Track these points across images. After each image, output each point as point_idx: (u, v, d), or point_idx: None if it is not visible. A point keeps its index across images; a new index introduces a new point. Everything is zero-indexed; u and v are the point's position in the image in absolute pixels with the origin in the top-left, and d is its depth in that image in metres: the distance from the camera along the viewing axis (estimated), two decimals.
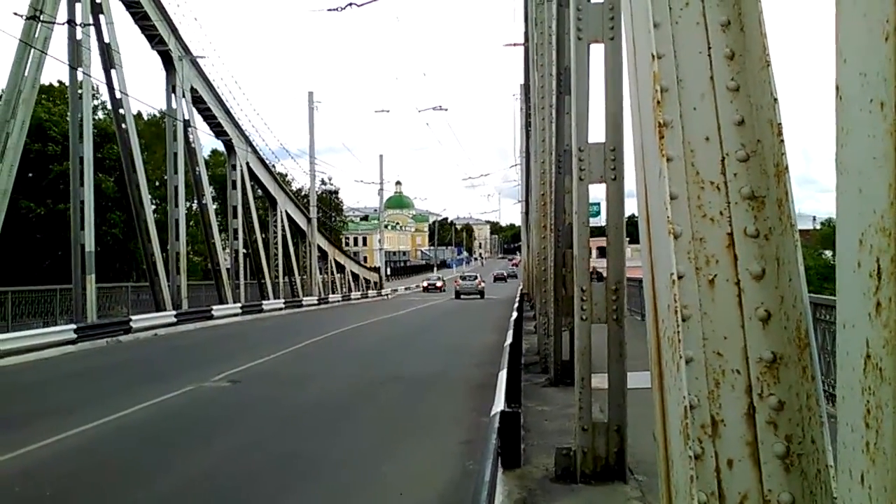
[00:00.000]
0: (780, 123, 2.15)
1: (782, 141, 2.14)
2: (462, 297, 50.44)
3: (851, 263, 1.08)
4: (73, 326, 20.48)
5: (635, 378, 6.46)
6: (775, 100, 2.17)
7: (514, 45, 42.35)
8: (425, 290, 65.42)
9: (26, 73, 21.37)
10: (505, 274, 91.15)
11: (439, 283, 66.68)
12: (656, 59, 2.32)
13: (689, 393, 2.06)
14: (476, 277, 58.99)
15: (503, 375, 8.63)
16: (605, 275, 6.87)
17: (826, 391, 2.69)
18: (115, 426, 9.72)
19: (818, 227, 67.71)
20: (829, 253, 58.88)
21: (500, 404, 7.11)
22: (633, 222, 7.18)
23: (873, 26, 1.01)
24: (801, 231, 2.23)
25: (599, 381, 6.86)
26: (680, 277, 2.16)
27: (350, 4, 24.84)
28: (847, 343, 1.11)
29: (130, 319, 23.61)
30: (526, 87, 37.95)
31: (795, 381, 2.05)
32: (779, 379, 2.07)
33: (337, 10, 24.94)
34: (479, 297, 50.57)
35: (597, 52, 6.69)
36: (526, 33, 29.66)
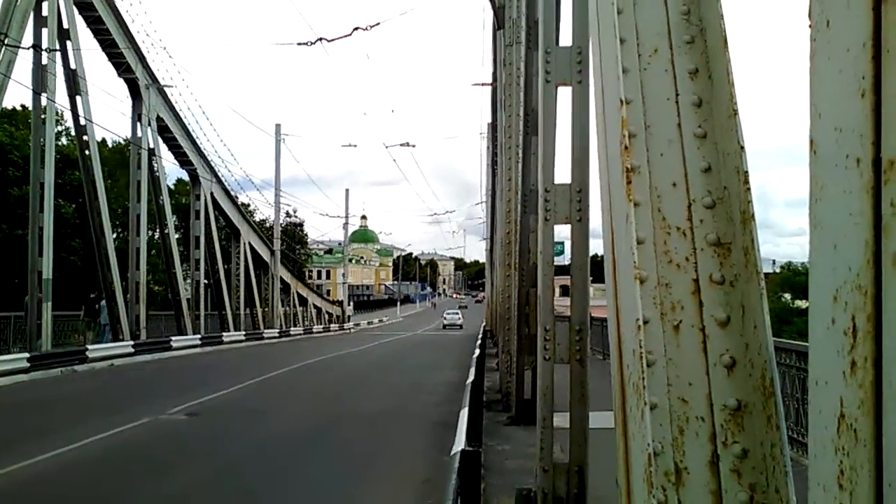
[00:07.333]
0: (746, 171, 2.16)
1: (748, 189, 2.15)
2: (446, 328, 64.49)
3: (825, 320, 1.06)
4: (27, 355, 19.95)
5: (596, 418, 6.44)
6: (742, 147, 2.18)
7: (483, 84, 42.91)
8: None
9: None
10: (481, 297, 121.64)
11: None
12: (624, 105, 2.33)
13: (654, 440, 2.03)
14: (458, 314, 72.47)
15: (464, 413, 8.55)
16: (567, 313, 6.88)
17: (789, 436, 2.69)
18: (61, 460, 9.41)
19: (777, 270, 68.82)
20: (787, 296, 59.81)
21: (460, 443, 7.02)
22: (595, 262, 7.21)
23: (849, 82, 1.01)
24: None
25: (561, 420, 6.82)
26: (645, 322, 2.14)
27: (320, 39, 25.10)
28: (820, 401, 1.09)
29: (87, 349, 23.12)
30: (493, 127, 38.21)
31: (760, 430, 2.03)
32: (743, 427, 2.05)
33: (307, 44, 25.17)
34: (460, 329, 62.68)
35: (564, 94, 6.74)
36: (494, 73, 29.96)
